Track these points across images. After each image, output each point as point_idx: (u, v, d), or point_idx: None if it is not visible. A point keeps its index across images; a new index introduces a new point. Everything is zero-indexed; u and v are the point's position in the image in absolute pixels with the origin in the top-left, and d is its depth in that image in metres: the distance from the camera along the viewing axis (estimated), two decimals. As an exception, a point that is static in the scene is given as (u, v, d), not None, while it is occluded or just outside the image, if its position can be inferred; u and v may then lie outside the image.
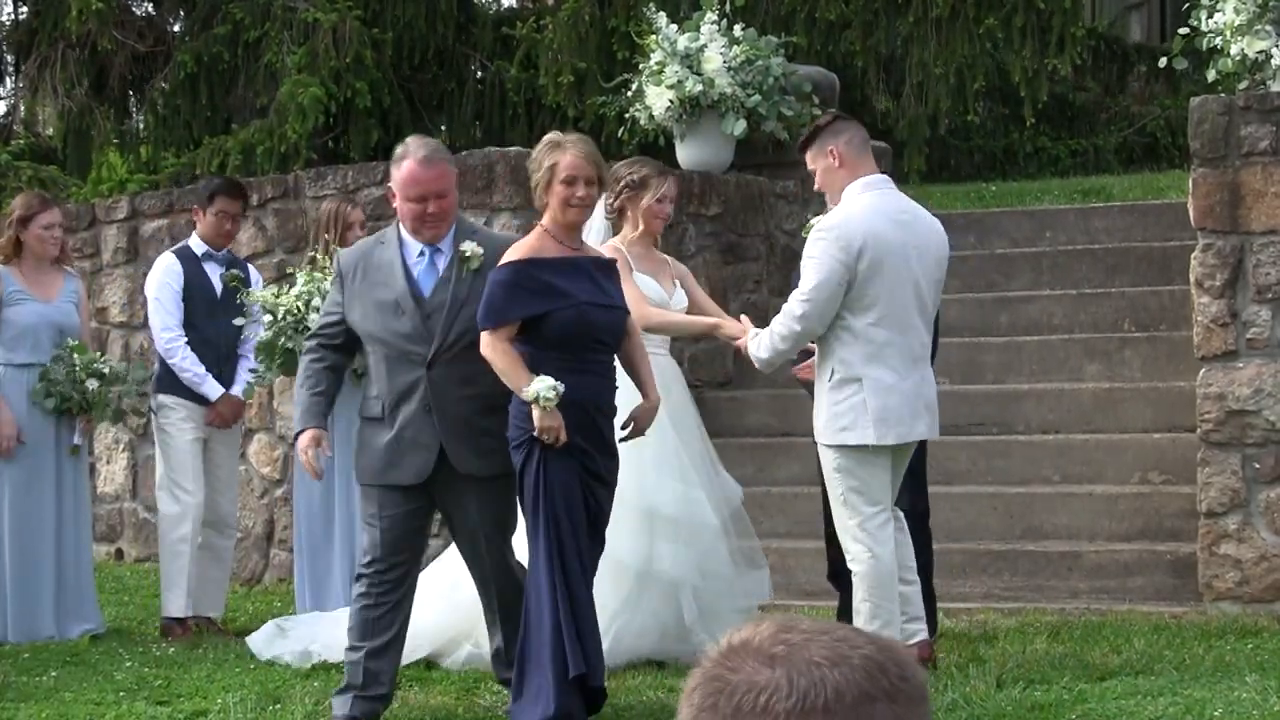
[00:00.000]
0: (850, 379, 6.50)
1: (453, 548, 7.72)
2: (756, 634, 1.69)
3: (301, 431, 6.30)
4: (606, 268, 6.28)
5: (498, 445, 6.04)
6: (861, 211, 6.56)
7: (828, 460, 6.62)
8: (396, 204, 6.18)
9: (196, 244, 8.33)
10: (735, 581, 7.36)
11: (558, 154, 6.07)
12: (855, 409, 6.49)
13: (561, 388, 5.85)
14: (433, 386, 6.08)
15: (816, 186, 6.87)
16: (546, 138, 6.24)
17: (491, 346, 5.97)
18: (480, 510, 6.15)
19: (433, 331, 6.08)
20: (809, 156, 6.77)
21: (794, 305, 6.57)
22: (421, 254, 6.19)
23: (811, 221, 6.99)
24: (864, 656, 1.66)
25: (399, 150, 6.21)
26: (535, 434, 5.90)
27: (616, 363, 6.31)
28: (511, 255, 6.14)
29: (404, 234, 6.22)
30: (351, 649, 6.31)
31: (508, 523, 6.25)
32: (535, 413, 5.88)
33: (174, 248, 8.56)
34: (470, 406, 6.09)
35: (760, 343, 6.73)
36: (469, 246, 6.14)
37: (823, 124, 6.79)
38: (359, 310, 6.19)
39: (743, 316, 7.19)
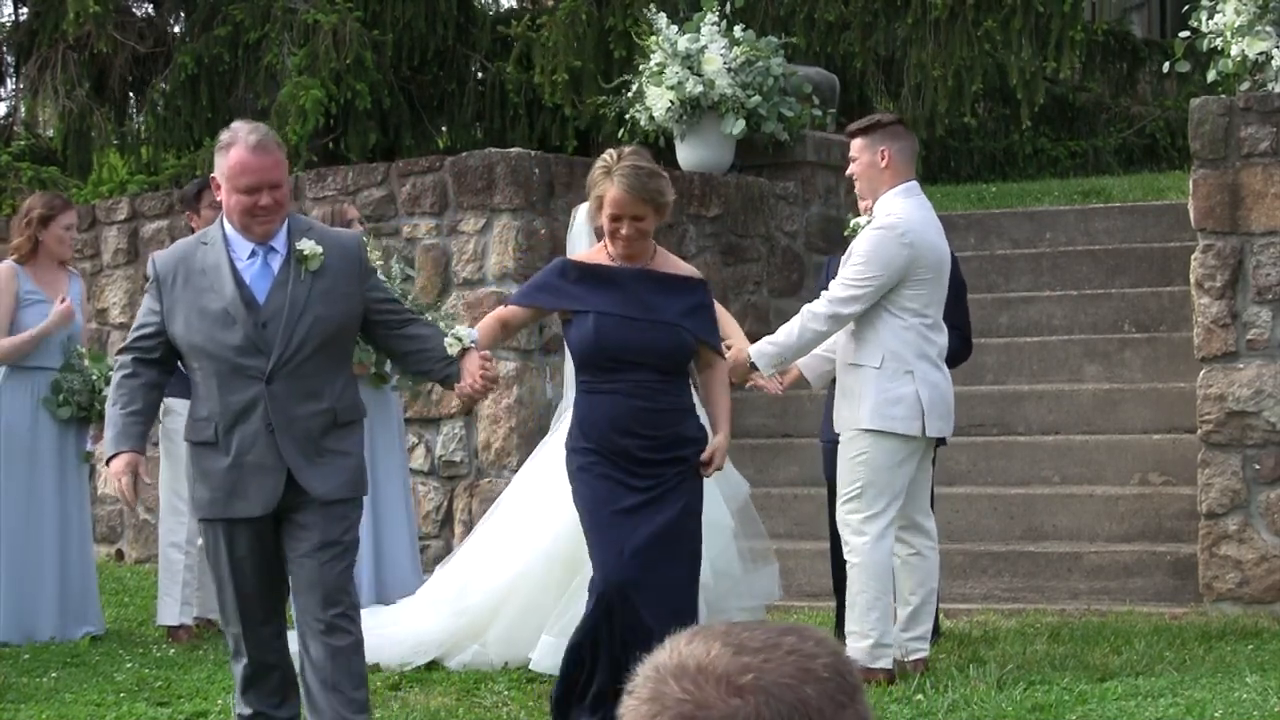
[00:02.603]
0: (901, 369, 6.59)
1: (458, 553, 7.72)
2: (710, 657, 1.67)
3: (115, 456, 5.48)
4: (664, 282, 5.87)
5: (345, 464, 5.45)
6: (917, 213, 6.68)
7: (855, 449, 6.63)
8: (221, 196, 5.45)
9: None
10: (743, 580, 7.36)
11: (606, 184, 5.74)
12: (908, 398, 6.58)
13: (468, 338, 5.59)
14: (274, 403, 5.36)
15: (850, 171, 6.91)
16: (604, 156, 5.85)
17: (492, 314, 5.94)
18: (324, 533, 5.39)
19: (270, 341, 5.36)
20: (858, 145, 6.80)
21: (841, 290, 6.58)
22: (253, 254, 5.45)
23: (854, 220, 7.01)
24: (826, 665, 1.68)
25: (225, 136, 5.48)
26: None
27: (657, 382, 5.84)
28: (572, 255, 6.06)
29: (229, 232, 5.47)
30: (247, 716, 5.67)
31: (350, 546, 5.50)
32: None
33: (174, 250, 8.54)
34: (317, 423, 5.41)
35: (772, 340, 6.73)
36: (307, 245, 5.44)
37: (886, 122, 6.86)
38: (181, 320, 5.43)
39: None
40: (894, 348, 6.60)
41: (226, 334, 5.36)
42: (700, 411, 6.16)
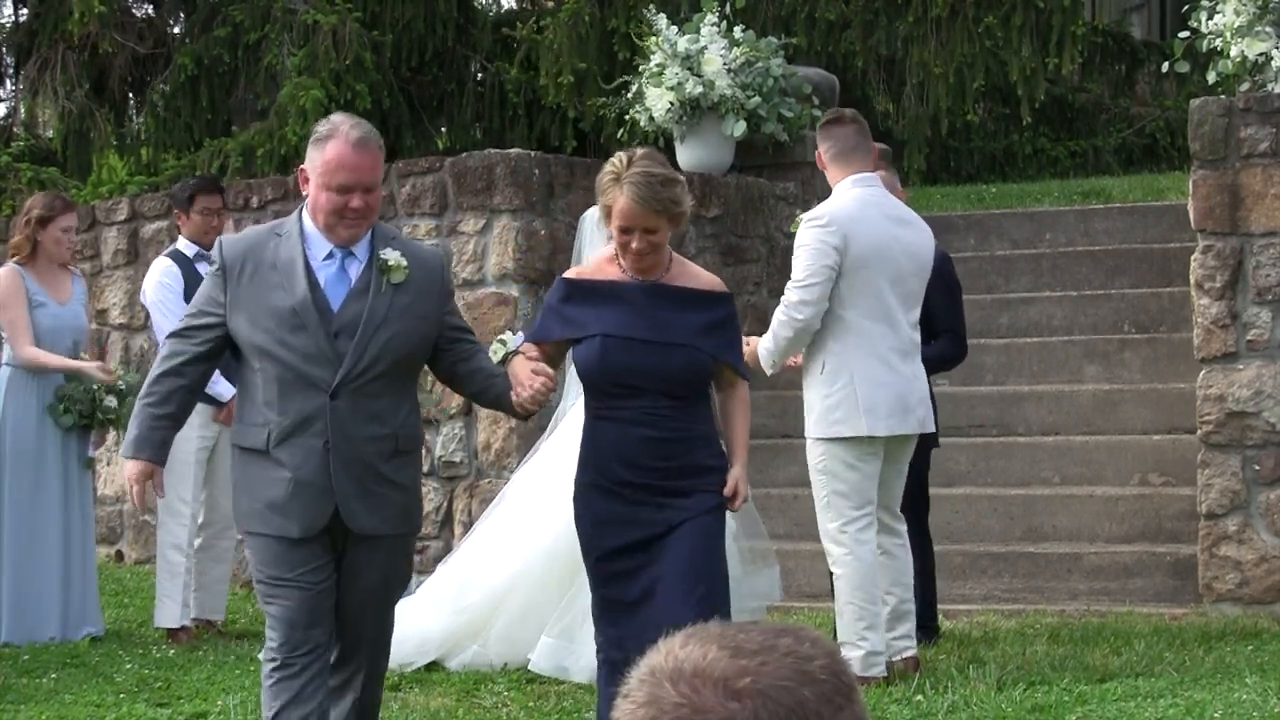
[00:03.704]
0: (841, 370, 6.53)
1: (458, 551, 7.73)
2: (707, 660, 1.66)
3: (132, 459, 5.12)
4: (680, 297, 5.37)
5: (397, 498, 5.08)
6: (853, 203, 6.64)
7: (812, 458, 6.65)
8: (308, 190, 5.04)
9: (186, 246, 8.31)
10: (744, 582, 7.34)
11: (615, 193, 5.25)
12: (847, 400, 6.52)
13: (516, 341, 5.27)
14: (335, 420, 4.96)
15: None
16: (613, 161, 5.36)
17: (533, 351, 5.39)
18: (374, 571, 5.09)
19: (340, 353, 4.97)
20: None
21: (792, 295, 6.58)
22: (330, 255, 5.05)
23: (800, 217, 7.03)
24: (822, 667, 1.67)
25: (323, 127, 5.05)
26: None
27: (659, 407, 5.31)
28: (568, 273, 5.66)
29: (309, 228, 5.06)
30: None
31: (396, 585, 5.22)
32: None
33: (165, 252, 8.56)
34: (376, 449, 5.02)
35: (763, 344, 6.73)
36: (392, 255, 5.04)
37: (822, 122, 6.94)
38: (245, 317, 5.01)
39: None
40: (834, 349, 6.56)
41: (294, 338, 4.97)
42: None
